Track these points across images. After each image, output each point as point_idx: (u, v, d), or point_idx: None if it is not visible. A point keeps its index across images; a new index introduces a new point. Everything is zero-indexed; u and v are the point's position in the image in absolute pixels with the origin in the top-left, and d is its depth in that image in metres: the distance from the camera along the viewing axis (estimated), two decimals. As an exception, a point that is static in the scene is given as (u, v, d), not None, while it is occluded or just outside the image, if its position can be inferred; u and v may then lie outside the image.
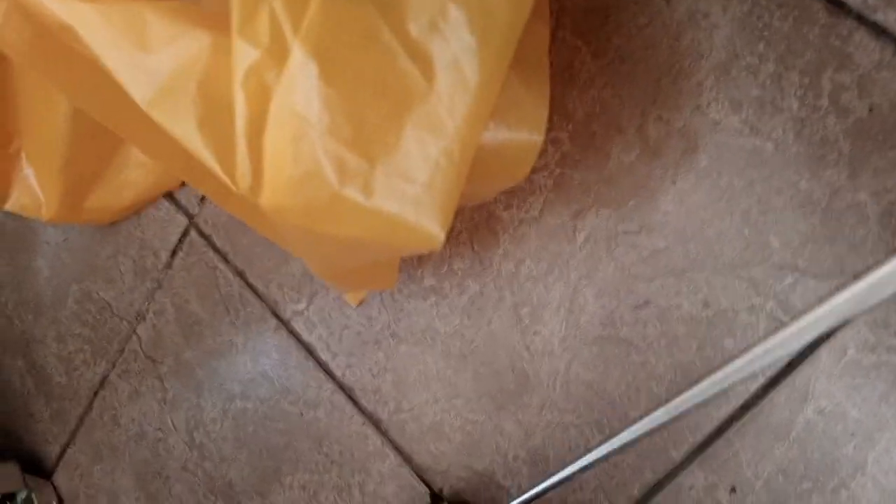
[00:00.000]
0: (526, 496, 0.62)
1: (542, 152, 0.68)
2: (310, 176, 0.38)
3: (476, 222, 0.72)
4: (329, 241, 0.42)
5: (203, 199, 0.90)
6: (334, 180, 0.38)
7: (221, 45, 0.39)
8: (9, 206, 0.90)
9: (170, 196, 0.93)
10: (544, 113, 0.42)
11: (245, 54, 0.37)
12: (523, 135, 0.41)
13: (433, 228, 0.39)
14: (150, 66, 0.40)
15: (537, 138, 0.42)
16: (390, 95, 0.37)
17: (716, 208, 0.62)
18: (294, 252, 0.59)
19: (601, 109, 0.65)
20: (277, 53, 0.37)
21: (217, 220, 0.90)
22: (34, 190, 0.90)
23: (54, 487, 1.14)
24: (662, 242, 0.64)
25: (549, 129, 0.68)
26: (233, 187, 0.40)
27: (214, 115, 0.40)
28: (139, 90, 0.40)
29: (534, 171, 0.69)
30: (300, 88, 0.36)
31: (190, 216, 0.92)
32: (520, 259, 0.71)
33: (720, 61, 0.61)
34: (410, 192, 0.38)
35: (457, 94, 0.37)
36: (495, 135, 0.40)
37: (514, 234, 0.71)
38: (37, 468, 1.15)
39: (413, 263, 0.76)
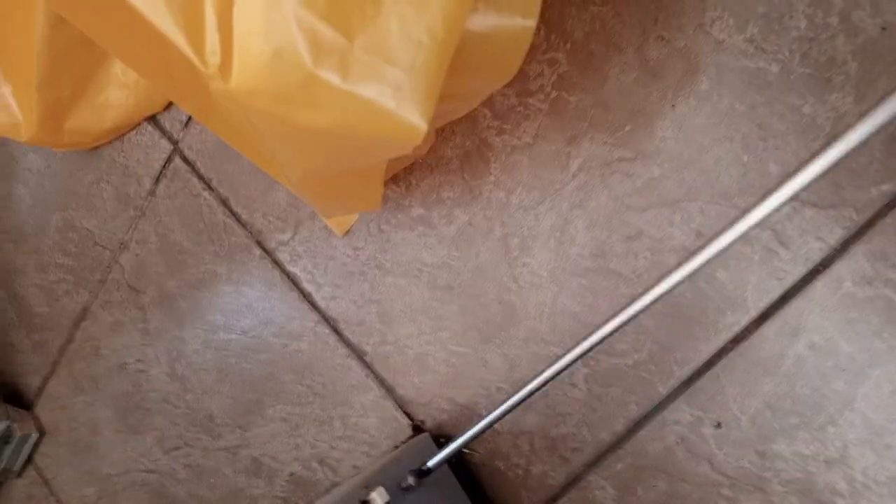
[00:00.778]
0: (496, 413, 0.60)
1: (538, 74, 0.65)
2: (282, 53, 0.35)
3: (467, 150, 0.70)
4: (304, 134, 0.39)
5: (187, 123, 0.87)
6: (308, 58, 0.35)
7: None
8: (-14, 125, 0.87)
9: (153, 120, 0.90)
10: (537, -4, 0.39)
11: (215, -83, 0.34)
12: (515, 20, 0.38)
13: (413, 118, 0.36)
14: (114, -68, 0.37)
15: (530, 23, 0.39)
16: (370, -37, 0.34)
17: (715, 134, 0.59)
18: (268, 166, 0.56)
19: (600, 28, 0.62)
20: (249, -85, 0.34)
21: (202, 145, 0.87)
22: (12, 108, 0.87)
23: (35, 419, 1.13)
24: (658, 170, 0.62)
25: (545, 50, 0.65)
26: (201, 67, 0.37)
27: (183, -11, 0.37)
28: (102, -40, 0.38)
29: (529, 94, 0.66)
30: (273, -46, 0.34)
31: (174, 141, 0.89)
32: (511, 188, 0.68)
33: (727, -23, 0.58)
34: (390, 74, 0.36)
35: (442, -35, 0.34)
36: (484, 19, 0.37)
37: (507, 161, 0.68)
38: (18, 399, 1.14)
39: (401, 192, 0.74)
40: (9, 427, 1.10)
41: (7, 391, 1.13)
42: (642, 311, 0.55)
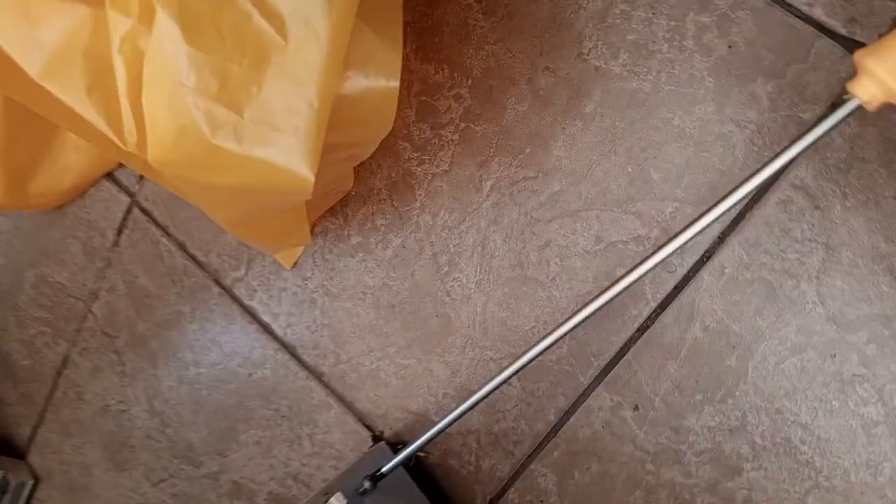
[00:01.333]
0: (444, 422, 0.67)
1: (447, 109, 0.73)
2: (185, 129, 0.42)
3: (394, 180, 0.77)
4: (215, 191, 0.46)
5: (142, 177, 0.94)
6: (207, 132, 0.42)
7: (100, 16, 0.44)
8: (-47, 196, 0.93)
9: (110, 176, 0.97)
10: (398, 60, 0.46)
11: (119, 24, 0.41)
12: (381, 81, 0.45)
13: (302, 171, 0.44)
14: (38, 38, 0.44)
15: (394, 84, 0.46)
16: (249, 51, 0.41)
17: (602, 149, 0.67)
18: (200, 207, 0.63)
19: (495, 64, 0.69)
20: (146, 20, 0.41)
21: (156, 196, 0.94)
22: (-22, 178, 0.93)
23: (29, 466, 1.19)
24: (557, 185, 0.69)
25: (451, 87, 0.72)
26: (122, 146, 0.44)
27: (100, 81, 0.44)
28: (30, 63, 0.45)
29: (441, 126, 0.73)
30: (168, 50, 0.41)
31: (131, 194, 0.96)
32: (435, 211, 0.76)
33: (597, 9, 0.65)
34: (277, 138, 0.43)
35: (309, 47, 0.41)
36: (354, 83, 0.44)
37: (429, 188, 0.75)
38: (10, 450, 1.20)
39: (339, 223, 0.81)
40: (4, 477, 1.15)
41: (1, 441, 1.19)
42: (570, 332, 0.63)
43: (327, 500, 0.66)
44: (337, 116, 0.44)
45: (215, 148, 0.43)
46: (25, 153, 0.91)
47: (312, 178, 0.44)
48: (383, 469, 0.72)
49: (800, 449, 0.64)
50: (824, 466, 0.63)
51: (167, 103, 0.42)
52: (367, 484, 0.70)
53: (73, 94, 0.44)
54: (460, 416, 0.67)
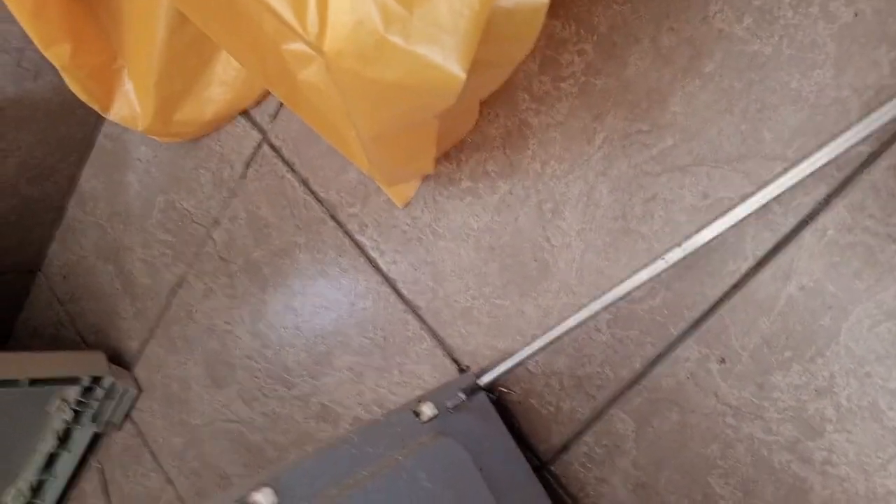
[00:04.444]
0: (532, 348, 0.71)
1: (570, 63, 0.78)
2: (362, 22, 0.49)
3: (509, 129, 0.82)
4: (375, 87, 0.53)
5: (275, 115, 1.03)
6: (381, 26, 0.48)
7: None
8: (111, 116, 1.05)
9: (245, 114, 1.06)
10: (550, -19, 0.52)
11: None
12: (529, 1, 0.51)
13: (456, 70, 0.49)
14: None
15: (544, 2, 0.51)
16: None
17: (718, 107, 0.70)
18: (342, 144, 0.70)
19: (621, 22, 0.74)
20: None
21: (286, 134, 1.02)
22: (133, 103, 1.05)
23: (134, 378, 1.30)
24: (670, 140, 0.73)
25: (575, 42, 0.77)
26: (304, 35, 0.51)
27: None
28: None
29: (561, 79, 0.78)
30: (357, -49, 0.47)
31: (263, 131, 1.05)
32: (545, 160, 0.80)
33: (726, -23, 0.69)
34: (439, 37, 0.49)
35: (477, -43, 0.47)
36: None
37: (542, 137, 0.80)
38: (119, 361, 1.31)
39: (452, 168, 0.87)
40: (113, 384, 1.26)
41: (111, 353, 1.31)
42: (665, 271, 0.67)
43: (419, 406, 0.72)
44: (487, 27, 0.50)
45: (385, 42, 0.49)
46: (178, 84, 1.01)
47: (464, 78, 0.49)
48: (481, 381, 0.78)
49: (887, 415, 0.65)
50: (910, 433, 0.64)
51: (350, -3, 0.48)
52: (461, 396, 0.75)
53: (266, -12, 0.52)
54: (549, 344, 0.71)
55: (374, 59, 0.50)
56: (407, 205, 0.92)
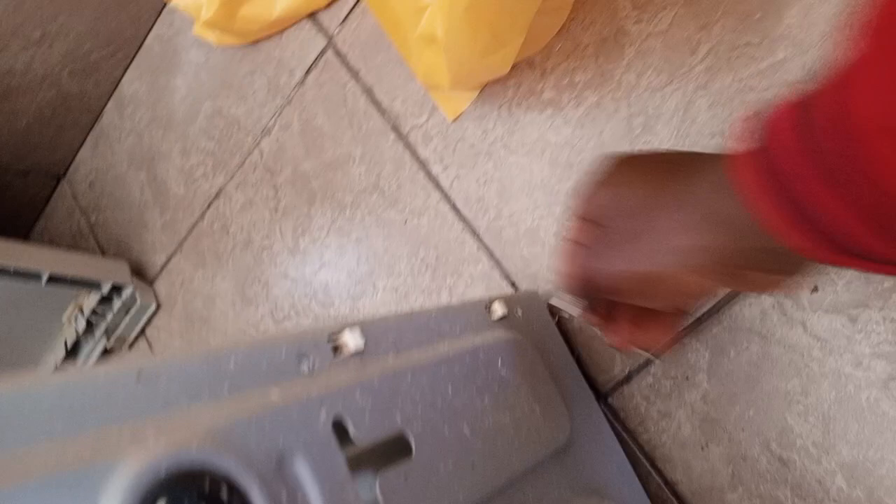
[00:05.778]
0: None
1: (678, -29, 0.74)
2: None
3: (604, 36, 0.79)
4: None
5: (345, 19, 0.99)
6: None
7: None
8: (175, 2, 1.01)
9: (312, 17, 1.02)
10: None
11: None
12: None
13: None
14: None
15: None
16: None
17: (837, 21, 0.66)
18: (399, 35, 0.66)
19: (743, -73, 0.71)
20: None
21: (355, 39, 0.98)
22: (198, -9, 1.01)
23: (155, 293, 1.25)
24: (782, 54, 0.69)
25: (688, -52, 0.74)
26: None
27: None
28: None
29: (667, -12, 0.75)
30: None
31: (329, 36, 1.01)
32: (641, 71, 0.77)
33: None
34: None
35: None
36: None
37: (640, 47, 0.77)
38: (141, 275, 1.26)
39: (535, 77, 0.83)
40: (133, 295, 1.21)
41: (133, 265, 1.26)
42: None
43: (491, 304, 0.67)
44: None
45: None
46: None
47: None
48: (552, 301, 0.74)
49: None
50: None
51: None
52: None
53: None
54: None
55: None
56: (457, 119, 0.88)
